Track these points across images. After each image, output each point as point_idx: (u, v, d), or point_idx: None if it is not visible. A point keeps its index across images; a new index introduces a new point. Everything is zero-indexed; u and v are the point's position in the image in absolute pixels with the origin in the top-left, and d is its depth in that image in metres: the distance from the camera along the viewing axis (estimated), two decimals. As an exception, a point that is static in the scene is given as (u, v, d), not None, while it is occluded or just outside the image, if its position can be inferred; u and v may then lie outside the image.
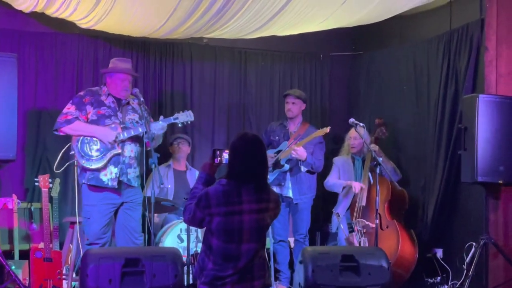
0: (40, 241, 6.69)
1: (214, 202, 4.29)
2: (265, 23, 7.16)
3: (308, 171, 7.32)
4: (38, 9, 6.80)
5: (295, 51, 8.69)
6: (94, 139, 6.16)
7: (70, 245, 6.78)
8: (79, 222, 6.60)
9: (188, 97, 8.21)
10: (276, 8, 6.74)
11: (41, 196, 6.67)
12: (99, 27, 7.21)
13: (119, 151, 6.19)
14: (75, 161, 6.28)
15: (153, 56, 8.04)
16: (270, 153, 7.25)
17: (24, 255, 6.66)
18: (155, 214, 6.65)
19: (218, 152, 4.53)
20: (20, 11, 6.99)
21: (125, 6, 6.61)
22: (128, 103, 6.40)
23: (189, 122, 6.53)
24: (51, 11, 6.87)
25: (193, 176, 7.72)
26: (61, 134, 6.27)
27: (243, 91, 8.52)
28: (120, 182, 6.21)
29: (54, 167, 6.56)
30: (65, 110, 6.25)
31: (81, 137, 6.17)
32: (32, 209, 7.05)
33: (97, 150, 6.16)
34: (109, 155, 6.16)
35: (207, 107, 8.31)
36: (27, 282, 6.34)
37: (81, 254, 6.24)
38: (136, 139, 6.27)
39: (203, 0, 6.45)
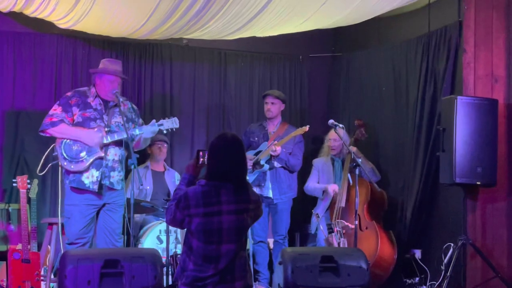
0: (18, 242, 6.64)
1: (193, 203, 4.29)
2: (245, 24, 7.16)
3: (283, 168, 7.32)
4: (17, 8, 6.76)
5: (274, 52, 8.70)
6: (78, 142, 6.13)
7: (49, 246, 6.74)
8: (62, 223, 6.55)
9: (167, 98, 8.18)
10: (256, 9, 6.74)
11: (19, 197, 6.63)
12: (78, 27, 7.17)
13: (102, 154, 6.17)
14: (58, 163, 6.23)
15: (133, 56, 8.02)
16: (250, 154, 7.26)
17: (1, 256, 6.62)
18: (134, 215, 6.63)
19: (201, 153, 4.53)
20: (-2, 11, 6.95)
21: (104, 6, 6.58)
22: (115, 105, 6.36)
23: (174, 129, 6.48)
24: (29, 11, 6.82)
25: (171, 176, 7.71)
26: (47, 135, 6.24)
27: (222, 92, 8.51)
28: (101, 186, 6.19)
29: (38, 169, 6.46)
30: (51, 112, 6.22)
31: (65, 140, 6.14)
32: (10, 210, 7.01)
33: (80, 152, 6.13)
34: (91, 159, 6.13)
35: (186, 108, 8.29)
36: (4, 284, 6.30)
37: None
38: (120, 142, 6.24)
39: (182, 1, 6.44)
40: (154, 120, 6.40)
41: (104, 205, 6.29)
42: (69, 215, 6.18)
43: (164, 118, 6.42)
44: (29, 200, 6.64)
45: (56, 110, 6.21)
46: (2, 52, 7.32)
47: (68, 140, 6.14)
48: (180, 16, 6.75)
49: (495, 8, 6.63)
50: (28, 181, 6.62)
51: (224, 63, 8.53)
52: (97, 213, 6.31)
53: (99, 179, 6.15)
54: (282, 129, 7.49)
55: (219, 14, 6.79)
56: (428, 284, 6.95)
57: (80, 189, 6.14)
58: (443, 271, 6.40)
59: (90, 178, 6.14)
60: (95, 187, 6.14)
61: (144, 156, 7.66)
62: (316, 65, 8.96)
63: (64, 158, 6.12)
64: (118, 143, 6.24)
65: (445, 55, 7.08)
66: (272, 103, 7.47)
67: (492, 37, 6.63)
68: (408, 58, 7.66)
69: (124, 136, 6.15)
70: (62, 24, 7.12)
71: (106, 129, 6.19)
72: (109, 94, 6.30)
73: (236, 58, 8.60)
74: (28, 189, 6.62)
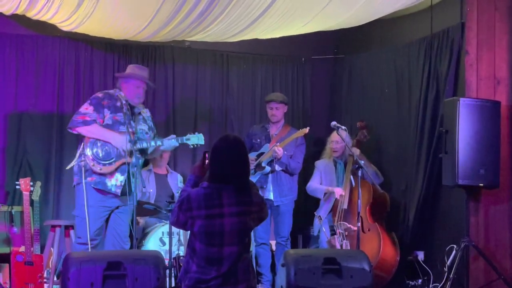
0: (21, 244, 6.65)
1: (195, 205, 4.28)
2: (247, 26, 7.16)
3: (284, 171, 7.33)
4: (19, 11, 6.76)
5: (277, 54, 8.71)
6: (107, 144, 6.14)
7: (51, 248, 6.75)
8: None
9: (170, 100, 8.20)
10: (258, 11, 6.75)
11: (22, 199, 6.64)
12: (80, 29, 7.18)
13: (129, 160, 6.18)
14: (81, 162, 6.21)
15: (135, 59, 8.01)
16: (252, 156, 7.27)
17: (4, 258, 6.62)
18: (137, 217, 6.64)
19: (207, 155, 4.50)
20: (1, 14, 6.94)
21: (106, 9, 6.59)
22: (140, 113, 6.40)
23: (198, 145, 6.48)
24: (32, 14, 6.83)
25: (174, 179, 7.71)
26: (74, 132, 6.26)
27: (225, 94, 8.52)
28: (122, 191, 6.20)
29: (69, 166, 6.39)
30: (82, 110, 6.23)
31: (95, 140, 6.16)
32: (13, 213, 7.01)
33: (110, 155, 6.14)
34: (118, 163, 6.16)
35: (188, 110, 8.30)
36: (7, 286, 6.31)
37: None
38: (141, 150, 6.29)
39: (185, 4, 6.44)
40: (174, 135, 6.44)
41: (117, 207, 6.31)
42: (84, 215, 6.17)
43: (191, 133, 6.44)
44: (32, 202, 6.64)
45: (88, 109, 6.22)
46: (4, 54, 7.33)
47: (98, 141, 6.15)
48: (182, 18, 6.76)
49: (497, 10, 6.62)
50: (31, 183, 6.62)
51: (226, 65, 8.54)
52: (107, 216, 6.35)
53: (122, 184, 6.17)
54: (284, 131, 7.49)
55: (221, 16, 6.80)
56: (431, 286, 6.94)
57: (103, 191, 6.16)
58: (446, 273, 6.39)
59: (114, 181, 6.17)
60: (118, 191, 6.18)
61: (147, 159, 7.67)
62: (318, 67, 8.97)
63: (93, 159, 6.13)
64: (141, 152, 6.30)
65: (447, 57, 7.09)
66: (277, 108, 7.48)
67: (494, 39, 6.63)
68: (411, 60, 7.66)
69: (147, 145, 6.20)
70: (65, 26, 7.13)
71: (135, 135, 6.22)
72: (134, 99, 6.33)
73: (239, 60, 8.61)
74: (31, 192, 6.62)
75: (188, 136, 6.40)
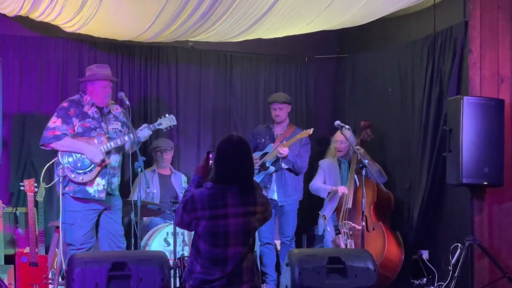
0: (25, 245, 6.65)
1: (199, 206, 4.27)
2: (250, 26, 7.16)
3: (290, 170, 7.33)
4: (23, 13, 6.77)
5: (280, 54, 8.71)
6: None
7: (56, 249, 6.75)
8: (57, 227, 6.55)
9: (173, 101, 8.20)
10: (261, 11, 6.75)
11: (26, 200, 6.64)
12: (83, 31, 7.19)
13: (108, 162, 6.20)
14: (60, 172, 6.21)
15: (138, 59, 8.03)
16: (256, 156, 7.27)
17: (9, 259, 6.63)
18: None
19: (211, 155, 4.49)
20: (4, 15, 6.95)
21: (110, 10, 6.59)
22: (109, 112, 6.39)
23: (172, 127, 6.54)
24: (35, 15, 6.84)
25: (178, 179, 7.72)
26: (48, 148, 6.25)
27: (228, 94, 8.52)
28: (106, 193, 6.21)
29: (41, 180, 6.39)
30: (51, 125, 6.20)
31: (69, 152, 6.15)
32: (17, 214, 7.02)
33: (88, 163, 6.14)
34: (98, 168, 6.15)
35: (192, 111, 8.30)
36: (13, 287, 6.31)
37: (62, 258, 6.25)
38: (118, 148, 6.28)
39: (188, 4, 6.44)
40: (145, 124, 6.45)
41: (104, 209, 6.32)
42: (71, 221, 6.18)
43: (160, 117, 6.45)
44: (36, 203, 6.65)
45: (56, 123, 6.20)
46: (8, 56, 7.33)
47: (73, 153, 6.14)
48: (186, 19, 6.76)
49: (500, 8, 6.62)
50: (35, 184, 6.62)
51: (229, 65, 8.54)
52: (98, 217, 6.35)
53: (105, 187, 6.17)
54: (288, 131, 7.50)
55: (225, 16, 6.80)
56: (435, 284, 6.94)
57: (84, 199, 6.15)
58: (451, 272, 6.40)
59: (95, 187, 6.16)
60: (102, 195, 6.18)
61: (151, 160, 7.68)
62: (322, 67, 8.96)
63: (72, 170, 6.12)
64: (117, 149, 6.30)
65: (450, 56, 7.08)
66: (280, 108, 7.49)
67: (498, 37, 6.63)
68: (414, 58, 7.65)
69: (125, 140, 6.19)
70: (68, 27, 7.14)
71: (106, 135, 6.21)
72: (104, 100, 6.31)
73: (242, 60, 8.61)
74: (35, 193, 6.62)
75: (159, 120, 6.46)
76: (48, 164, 6.36)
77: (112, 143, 6.19)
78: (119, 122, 6.41)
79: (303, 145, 7.43)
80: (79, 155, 6.14)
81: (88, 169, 6.13)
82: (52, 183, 6.35)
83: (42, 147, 6.26)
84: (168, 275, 5.07)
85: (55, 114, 6.27)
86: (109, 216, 6.33)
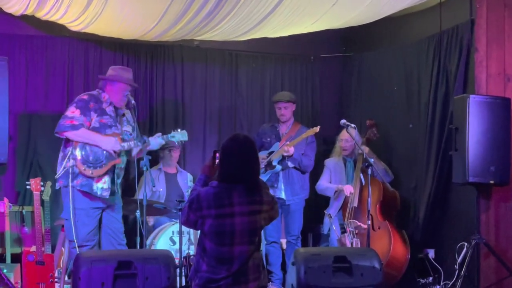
0: (32, 244, 6.67)
1: (205, 205, 4.28)
2: (256, 25, 7.16)
3: (296, 168, 7.33)
4: (28, 12, 6.79)
5: (285, 53, 8.70)
6: (96, 147, 6.15)
7: (62, 248, 6.77)
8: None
9: (179, 99, 8.20)
10: (267, 10, 6.75)
11: (32, 199, 6.66)
12: (89, 29, 7.20)
13: (118, 161, 6.21)
14: (70, 165, 6.21)
15: (144, 58, 8.04)
16: (262, 154, 7.27)
17: (16, 258, 6.65)
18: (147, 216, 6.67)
19: (218, 154, 4.49)
20: (10, 14, 6.97)
21: (115, 8, 6.60)
22: (123, 115, 6.43)
23: (183, 142, 6.66)
24: (41, 14, 6.85)
25: (184, 178, 7.72)
26: (62, 137, 6.23)
27: (234, 93, 8.52)
28: (110, 192, 6.23)
29: (57, 173, 6.34)
30: (69, 114, 6.18)
31: (84, 144, 6.16)
32: (24, 213, 7.04)
33: (99, 158, 6.15)
34: (108, 165, 6.16)
35: (198, 109, 8.31)
36: (19, 286, 6.33)
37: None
38: (128, 151, 6.32)
39: (193, 3, 6.45)
40: (160, 133, 6.49)
41: (107, 207, 6.33)
42: (76, 219, 6.18)
43: (175, 130, 6.56)
44: (42, 202, 6.67)
45: (74, 113, 6.18)
46: (14, 55, 7.34)
47: (87, 145, 6.15)
48: (191, 17, 6.76)
49: (507, 7, 6.61)
50: (42, 183, 6.64)
51: (235, 64, 8.54)
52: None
53: (109, 186, 6.18)
54: (294, 130, 7.50)
55: (230, 15, 6.80)
56: (441, 283, 6.93)
57: (89, 194, 6.16)
58: (457, 271, 6.39)
59: (102, 184, 6.16)
60: (106, 194, 6.17)
61: (157, 158, 7.68)
62: (327, 66, 8.95)
63: (83, 162, 6.12)
64: (126, 152, 6.32)
65: (457, 54, 7.06)
66: (285, 107, 7.49)
67: (504, 36, 6.62)
68: (420, 57, 7.64)
69: (138, 145, 6.23)
70: (74, 26, 7.15)
71: (121, 136, 6.23)
72: (120, 102, 6.34)
73: (247, 59, 8.61)
74: (42, 192, 6.64)
75: (173, 133, 6.52)
76: (67, 157, 6.30)
77: (126, 145, 6.22)
78: (130, 126, 6.44)
79: (309, 143, 7.44)
80: (93, 148, 6.14)
81: (99, 164, 6.14)
82: (61, 172, 6.31)
83: (56, 135, 6.24)
84: (174, 274, 5.07)
85: (74, 104, 6.26)
86: (111, 214, 6.35)
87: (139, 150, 6.37)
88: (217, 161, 4.47)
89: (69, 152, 6.16)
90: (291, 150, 7.19)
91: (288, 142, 7.26)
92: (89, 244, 6.19)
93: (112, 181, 6.23)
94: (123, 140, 6.25)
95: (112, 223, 6.35)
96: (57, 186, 6.30)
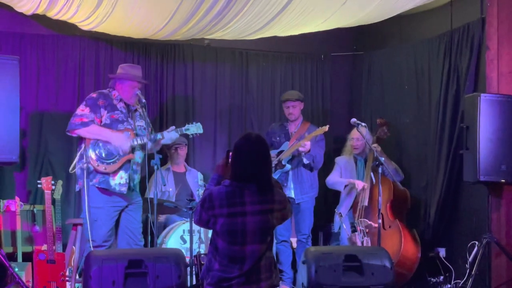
0: (43, 243, 6.69)
1: (217, 204, 4.29)
2: (266, 24, 7.16)
3: (305, 166, 7.33)
4: (40, 11, 6.81)
5: (296, 51, 8.69)
6: (109, 143, 6.17)
7: (73, 247, 6.78)
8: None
9: (189, 98, 8.21)
10: (277, 9, 6.74)
11: (43, 198, 6.67)
12: (100, 29, 7.21)
13: (132, 157, 6.23)
14: (84, 163, 6.24)
15: (155, 57, 8.05)
16: (272, 153, 7.27)
17: (27, 257, 6.66)
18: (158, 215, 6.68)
19: (231, 153, 4.50)
20: (22, 14, 6.99)
21: (126, 8, 6.61)
22: (136, 110, 6.45)
23: (198, 134, 6.60)
24: (52, 14, 6.87)
25: (193, 177, 7.72)
26: (74, 135, 6.29)
27: (244, 92, 8.52)
28: (128, 188, 6.24)
29: (70, 168, 6.45)
30: (79, 112, 6.26)
31: (96, 141, 6.19)
32: (35, 211, 7.06)
33: (112, 154, 6.18)
34: (122, 161, 6.19)
35: (208, 108, 8.31)
36: (30, 284, 6.34)
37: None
38: (143, 145, 6.32)
39: (204, 2, 6.45)
40: (173, 127, 6.49)
41: (126, 206, 6.35)
42: (95, 218, 6.22)
43: (189, 123, 6.53)
44: (53, 201, 6.68)
45: (84, 111, 6.25)
46: (25, 54, 7.37)
47: (99, 142, 6.18)
48: (202, 16, 6.77)
49: (518, 5, 6.59)
50: (53, 182, 6.65)
51: (245, 63, 8.54)
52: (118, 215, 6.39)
53: (127, 181, 6.21)
54: (303, 129, 7.50)
55: (240, 14, 6.80)
56: (452, 282, 6.92)
57: (107, 190, 6.19)
58: (468, 270, 6.38)
59: (118, 180, 6.20)
60: (123, 189, 6.21)
61: (165, 158, 7.69)
62: (338, 64, 8.95)
63: (97, 159, 6.16)
64: (141, 147, 6.33)
65: (467, 53, 7.04)
66: (293, 106, 7.49)
67: (515, 34, 6.60)
68: (431, 56, 7.63)
69: (152, 138, 6.23)
70: (85, 26, 7.17)
71: (134, 131, 6.26)
72: (130, 99, 6.37)
73: (258, 58, 8.60)
74: (53, 190, 6.65)
75: (187, 126, 6.52)
76: (79, 153, 6.34)
77: (139, 139, 6.25)
78: (143, 121, 6.47)
79: (318, 141, 7.43)
80: (105, 146, 6.17)
81: (112, 160, 6.18)
82: (78, 173, 6.31)
83: (68, 133, 6.30)
84: (184, 273, 5.09)
85: (83, 103, 6.34)
86: (129, 214, 6.37)
87: (155, 142, 6.37)
88: (230, 160, 4.47)
89: (83, 151, 6.21)
90: (308, 144, 7.18)
91: (297, 142, 7.25)
92: (106, 244, 6.25)
93: (130, 177, 6.26)
94: (136, 135, 6.28)
95: (131, 223, 6.39)
96: (77, 188, 6.39)
